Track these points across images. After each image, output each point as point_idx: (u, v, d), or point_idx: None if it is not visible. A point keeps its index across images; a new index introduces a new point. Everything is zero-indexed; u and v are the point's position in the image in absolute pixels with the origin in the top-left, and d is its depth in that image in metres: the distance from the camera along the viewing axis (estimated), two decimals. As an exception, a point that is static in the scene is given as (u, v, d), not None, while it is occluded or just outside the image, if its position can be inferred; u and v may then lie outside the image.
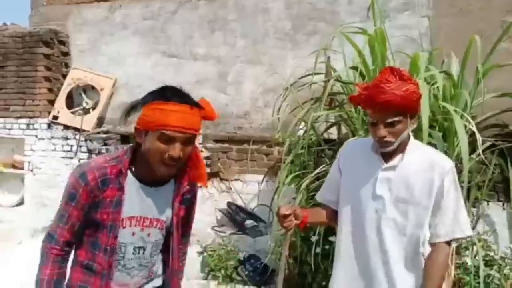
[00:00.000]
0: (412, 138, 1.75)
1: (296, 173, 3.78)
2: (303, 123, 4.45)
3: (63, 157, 5.69)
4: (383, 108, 1.61)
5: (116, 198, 1.51)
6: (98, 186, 1.49)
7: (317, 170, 3.57)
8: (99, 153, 5.39)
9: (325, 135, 4.23)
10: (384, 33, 3.41)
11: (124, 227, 1.53)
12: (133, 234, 1.56)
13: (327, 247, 3.66)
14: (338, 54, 4.12)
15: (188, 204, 1.70)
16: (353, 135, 3.80)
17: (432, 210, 1.66)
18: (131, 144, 1.63)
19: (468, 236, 1.71)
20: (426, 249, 1.70)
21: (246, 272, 4.26)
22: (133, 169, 1.54)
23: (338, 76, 3.45)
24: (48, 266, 1.51)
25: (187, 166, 1.59)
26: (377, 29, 3.37)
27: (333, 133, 4.28)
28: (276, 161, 4.75)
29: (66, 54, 6.03)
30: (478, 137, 3.00)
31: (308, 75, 3.97)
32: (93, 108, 5.75)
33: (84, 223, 1.55)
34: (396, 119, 1.62)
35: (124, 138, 5.50)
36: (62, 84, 5.87)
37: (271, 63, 5.07)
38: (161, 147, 1.43)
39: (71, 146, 5.65)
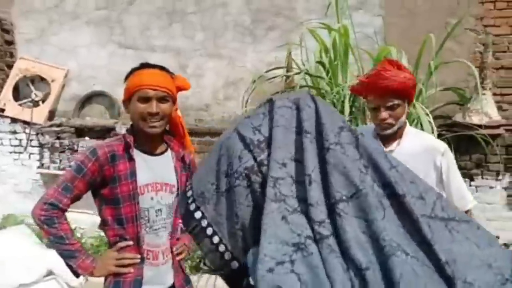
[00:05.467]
0: (408, 125, 1.95)
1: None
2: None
3: (11, 152, 5.41)
4: (384, 92, 1.80)
5: (129, 169, 1.70)
6: (108, 161, 1.66)
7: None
8: (52, 147, 5.19)
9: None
10: (348, 29, 3.63)
11: (142, 194, 1.71)
12: (152, 198, 1.73)
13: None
14: (297, 49, 4.29)
15: (188, 171, 1.89)
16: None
17: (439, 189, 1.87)
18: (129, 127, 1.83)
19: (475, 204, 1.95)
20: None
21: (213, 262, 4.34)
22: (135, 144, 1.74)
23: (306, 70, 3.61)
24: (62, 223, 1.67)
25: (176, 135, 1.89)
26: (342, 25, 3.58)
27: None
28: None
29: (10, 43, 5.71)
30: (434, 127, 3.32)
31: (275, 68, 4.12)
32: (43, 100, 5.51)
33: (107, 203, 1.70)
34: (396, 102, 1.81)
35: (79, 131, 5.33)
36: (7, 75, 5.56)
37: (231, 57, 5.15)
38: (140, 106, 1.67)
39: (20, 140, 5.39)
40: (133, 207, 1.69)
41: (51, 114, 5.53)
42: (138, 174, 1.71)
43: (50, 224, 1.64)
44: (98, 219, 5.29)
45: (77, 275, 1.71)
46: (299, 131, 0.78)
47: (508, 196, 4.20)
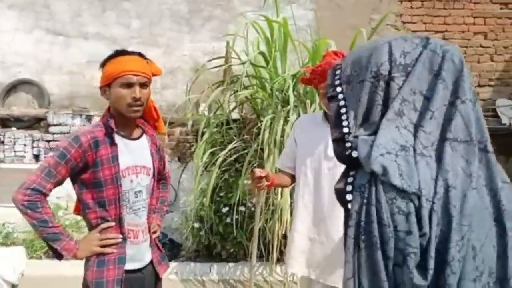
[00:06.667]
0: None
1: (210, 150, 4.03)
2: (203, 104, 4.72)
3: None
4: None
5: (111, 154, 1.76)
6: (91, 147, 1.72)
7: (231, 146, 3.89)
8: (-26, 138, 4.86)
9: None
10: (287, 22, 3.85)
11: (124, 177, 1.78)
12: (131, 181, 1.81)
13: (236, 216, 4.01)
14: (234, 40, 4.44)
15: (158, 155, 2.01)
16: (257, 115, 4.21)
17: None
18: (103, 114, 1.89)
19: None
20: None
21: (156, 249, 4.39)
22: (115, 128, 1.80)
23: (250, 60, 3.77)
24: (46, 208, 1.69)
25: (150, 119, 1.97)
26: (282, 18, 3.80)
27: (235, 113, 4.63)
28: (178, 140, 4.93)
29: None
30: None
31: (216, 58, 4.24)
32: (-39, 88, 5.12)
33: (88, 188, 1.75)
34: None
35: (4, 121, 5.03)
36: None
37: (168, 45, 5.17)
38: (124, 92, 1.74)
39: None
40: (116, 189, 1.75)
41: (-29, 104, 5.16)
42: (120, 158, 1.77)
43: (33, 208, 1.65)
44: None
45: (60, 257, 1.73)
46: (437, 74, 0.98)
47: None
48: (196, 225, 4.24)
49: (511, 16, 5.31)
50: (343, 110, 1.04)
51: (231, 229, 4.06)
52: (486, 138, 0.99)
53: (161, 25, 5.17)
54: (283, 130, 3.41)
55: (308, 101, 3.63)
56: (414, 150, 0.94)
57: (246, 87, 4.20)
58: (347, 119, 1.02)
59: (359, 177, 0.97)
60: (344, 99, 1.05)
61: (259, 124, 3.82)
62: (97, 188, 1.74)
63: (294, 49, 3.94)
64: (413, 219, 0.89)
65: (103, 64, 1.81)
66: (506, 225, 0.95)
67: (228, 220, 4.11)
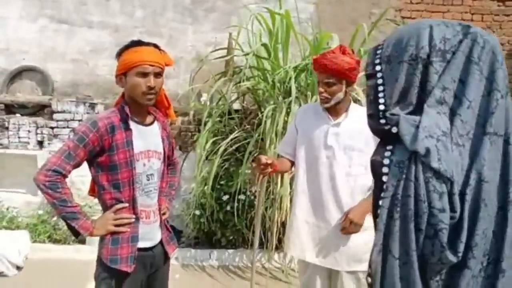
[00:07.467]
0: (352, 102, 2.29)
1: (212, 140, 4.13)
2: (205, 95, 4.80)
3: None
4: (322, 70, 2.15)
5: (126, 139, 1.85)
6: (108, 132, 1.81)
7: (232, 136, 3.99)
8: (-21, 124, 4.93)
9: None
10: (290, 14, 3.93)
11: (137, 160, 1.89)
12: (144, 165, 1.91)
13: (236, 205, 4.11)
14: (235, 31, 4.52)
15: (168, 141, 2.10)
16: (258, 106, 4.30)
17: None
18: (116, 100, 2.00)
19: None
20: None
21: (158, 235, 4.49)
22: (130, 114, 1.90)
23: (254, 52, 3.85)
24: (65, 188, 1.80)
25: (161, 107, 2.06)
26: (286, 11, 3.88)
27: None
28: (180, 130, 5.02)
29: None
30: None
31: (220, 49, 4.31)
32: (-34, 74, 5.18)
33: (103, 170, 1.85)
34: (331, 80, 2.15)
35: (9, 108, 5.10)
36: None
37: (171, 36, 5.23)
38: (140, 81, 1.82)
39: None
40: (130, 172, 1.84)
41: (-24, 90, 5.22)
42: (134, 142, 1.86)
43: (54, 189, 1.76)
44: (30, 198, 5.06)
45: (77, 235, 1.84)
46: (476, 64, 1.02)
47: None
48: (197, 212, 4.34)
49: (508, 13, 5.41)
50: (380, 88, 1.08)
51: (231, 217, 4.17)
52: (511, 131, 1.03)
53: (165, 16, 5.23)
54: (285, 122, 3.50)
55: (309, 93, 3.73)
56: (451, 138, 1.00)
57: (248, 78, 4.29)
58: (383, 97, 1.07)
59: (398, 153, 1.03)
60: (382, 77, 1.09)
61: (260, 115, 3.92)
62: (113, 171, 1.84)
63: (296, 41, 4.02)
64: (446, 198, 0.96)
65: (119, 54, 1.89)
66: (508, 216, 1.02)
67: (228, 208, 4.22)
